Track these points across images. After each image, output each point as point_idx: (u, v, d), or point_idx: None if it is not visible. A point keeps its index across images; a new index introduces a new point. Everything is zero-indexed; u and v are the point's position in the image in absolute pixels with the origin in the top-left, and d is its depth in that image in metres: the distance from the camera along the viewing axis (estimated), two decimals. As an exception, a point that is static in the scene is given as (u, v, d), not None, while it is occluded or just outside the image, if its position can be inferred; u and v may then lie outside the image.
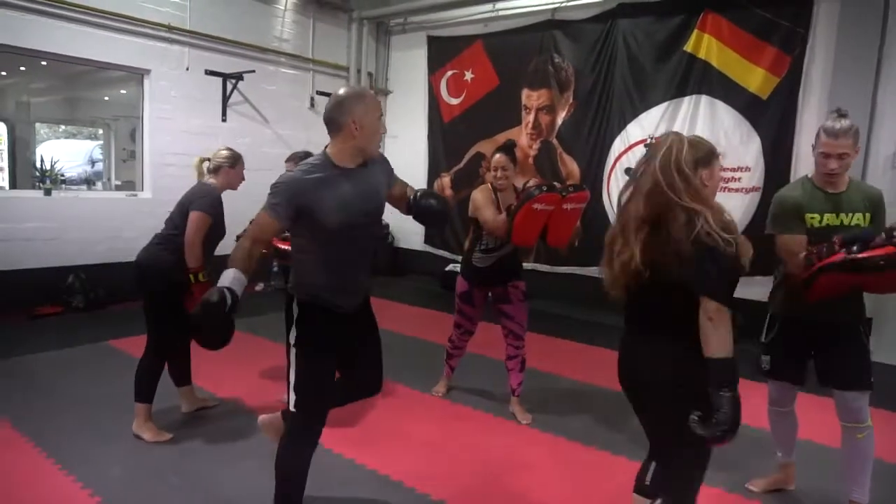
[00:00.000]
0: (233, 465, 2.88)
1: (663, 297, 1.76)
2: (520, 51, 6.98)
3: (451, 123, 7.72)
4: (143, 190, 6.26)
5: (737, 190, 5.64)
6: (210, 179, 3.26)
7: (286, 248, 3.53)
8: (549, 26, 6.76)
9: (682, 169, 1.70)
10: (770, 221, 2.52)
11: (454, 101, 7.68)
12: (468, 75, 7.51)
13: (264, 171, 6.74)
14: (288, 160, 3.66)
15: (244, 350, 4.68)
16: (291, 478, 2.27)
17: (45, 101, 9.39)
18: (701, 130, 5.79)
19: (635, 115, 6.22)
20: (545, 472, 2.94)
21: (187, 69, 6.40)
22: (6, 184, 8.16)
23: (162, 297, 3.12)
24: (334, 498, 2.65)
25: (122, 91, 7.82)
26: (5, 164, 8.38)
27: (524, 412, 3.56)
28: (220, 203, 3.22)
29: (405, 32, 8.16)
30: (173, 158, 6.11)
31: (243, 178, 3.39)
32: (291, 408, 2.24)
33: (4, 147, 8.45)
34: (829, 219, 2.42)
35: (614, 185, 6.44)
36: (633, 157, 6.29)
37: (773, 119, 5.45)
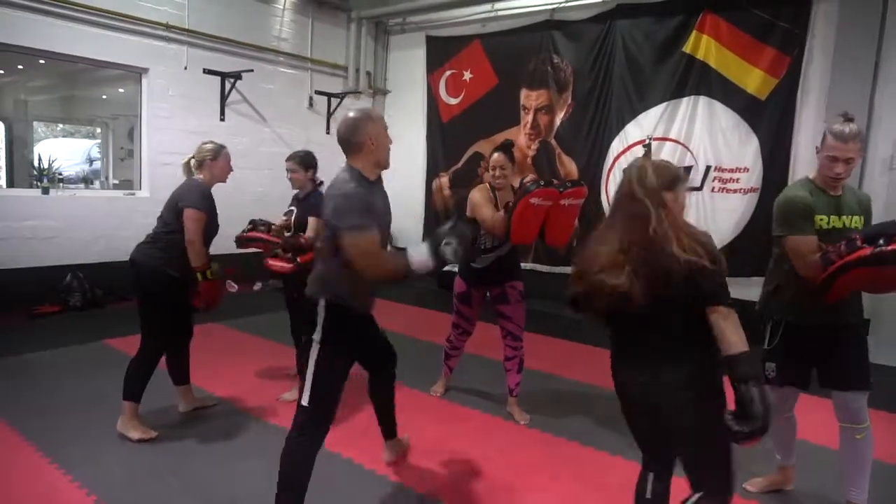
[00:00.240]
0: (231, 465, 2.88)
1: (666, 322, 1.78)
2: (518, 51, 6.98)
3: (450, 123, 7.72)
4: (140, 189, 6.26)
5: (735, 191, 5.65)
6: (197, 175, 3.26)
7: (282, 266, 3.54)
8: (547, 26, 6.76)
9: (648, 194, 1.76)
10: (779, 223, 2.47)
11: (453, 101, 7.68)
12: (467, 75, 7.50)
13: (262, 170, 6.82)
14: (289, 159, 3.65)
15: (242, 350, 4.68)
16: (296, 472, 2.31)
17: (42, 100, 9.38)
18: (699, 131, 5.81)
19: (634, 115, 6.22)
20: (543, 471, 2.94)
21: (185, 68, 6.39)
22: (4, 182, 8.14)
23: (156, 297, 3.11)
24: (331, 496, 2.65)
25: (121, 90, 7.81)
26: (3, 162, 8.35)
27: (522, 412, 3.56)
28: (211, 197, 3.22)
29: (404, 32, 8.16)
30: (171, 157, 6.08)
31: (231, 169, 3.38)
32: (305, 403, 2.31)
33: (2, 146, 8.43)
34: (833, 221, 2.42)
35: (613, 186, 6.44)
36: (632, 158, 6.30)
37: (771, 120, 5.45)
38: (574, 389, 4.10)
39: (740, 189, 5.63)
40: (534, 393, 3.86)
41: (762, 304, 2.62)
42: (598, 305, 1.82)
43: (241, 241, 3.83)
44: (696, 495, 1.81)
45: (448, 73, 7.68)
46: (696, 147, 5.85)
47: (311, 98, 7.71)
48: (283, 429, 3.26)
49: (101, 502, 2.51)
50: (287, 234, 3.64)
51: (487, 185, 3.49)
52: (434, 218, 7.79)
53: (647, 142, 6.17)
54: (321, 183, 3.62)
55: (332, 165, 3.52)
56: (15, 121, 8.76)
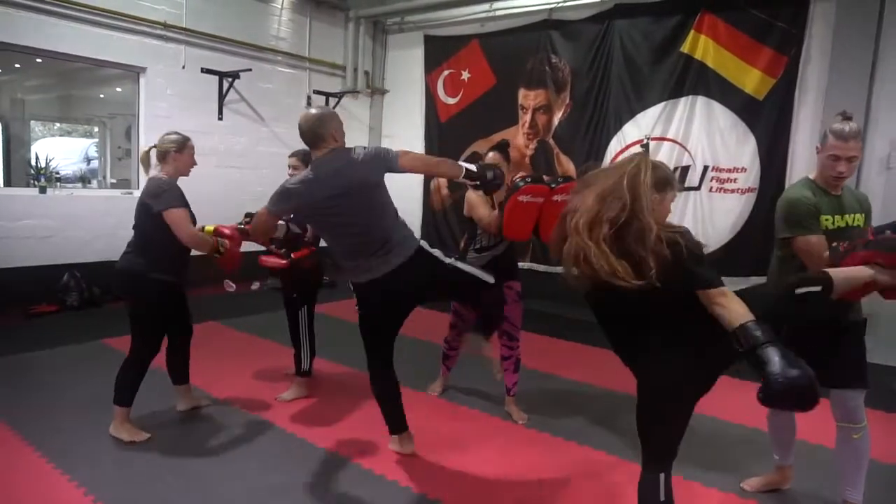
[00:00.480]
0: (230, 465, 2.88)
1: (665, 310, 1.80)
2: (517, 50, 6.98)
3: (448, 123, 7.71)
4: (138, 188, 6.23)
5: (732, 191, 5.66)
6: (160, 173, 3.10)
7: (276, 263, 3.54)
8: (545, 26, 6.76)
9: (645, 187, 1.79)
10: (786, 224, 2.43)
11: (451, 101, 7.68)
12: (465, 75, 7.50)
13: (261, 170, 6.81)
14: (292, 155, 3.65)
15: (241, 349, 4.67)
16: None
17: (40, 99, 9.35)
18: (697, 131, 5.82)
19: (632, 115, 6.23)
20: (541, 471, 2.94)
21: (183, 67, 6.38)
22: (1, 181, 8.11)
23: (145, 304, 3.06)
24: (330, 497, 2.65)
25: (118, 89, 7.79)
26: (0, 161, 8.33)
27: (520, 412, 3.57)
28: (181, 191, 3.08)
29: (402, 32, 8.15)
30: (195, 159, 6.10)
31: (195, 163, 3.22)
32: (486, 279, 2.85)
33: (-1, 145, 8.40)
34: (838, 220, 2.42)
35: (611, 186, 6.45)
36: (630, 158, 6.30)
37: (769, 120, 5.46)
38: (571, 389, 4.10)
39: (738, 189, 5.64)
40: (531, 392, 3.86)
41: None
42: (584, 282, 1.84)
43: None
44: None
45: (446, 72, 7.68)
46: (693, 147, 5.86)
47: (309, 97, 7.70)
48: (281, 428, 3.27)
49: (99, 502, 2.51)
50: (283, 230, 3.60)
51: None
52: (432, 218, 7.79)
53: (645, 142, 6.18)
54: None
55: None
56: (12, 120, 8.73)
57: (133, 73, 6.22)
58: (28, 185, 6.36)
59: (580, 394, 4.02)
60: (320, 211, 2.63)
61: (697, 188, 5.81)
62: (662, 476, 1.88)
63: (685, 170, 5.86)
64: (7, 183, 7.88)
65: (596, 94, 6.47)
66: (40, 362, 4.15)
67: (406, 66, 8.07)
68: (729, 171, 5.68)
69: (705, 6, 5.70)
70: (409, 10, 7.63)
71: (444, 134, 7.76)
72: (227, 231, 3.22)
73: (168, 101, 6.30)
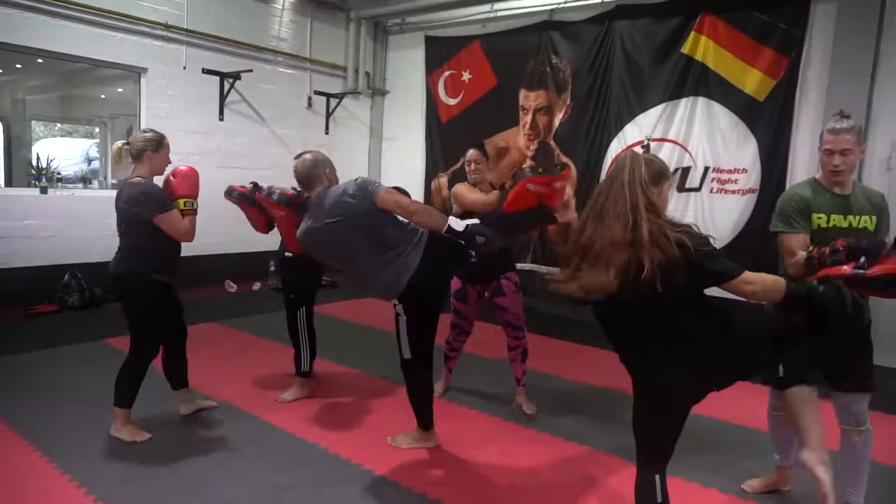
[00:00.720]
0: (230, 465, 2.88)
1: (666, 313, 1.80)
2: (517, 51, 6.98)
3: (449, 124, 7.71)
4: (138, 188, 6.25)
5: (733, 192, 5.66)
6: (133, 174, 2.99)
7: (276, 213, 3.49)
8: (546, 27, 6.77)
9: (643, 187, 1.81)
10: (775, 218, 2.51)
11: (452, 102, 7.68)
12: (466, 76, 7.50)
13: (261, 171, 6.80)
14: (297, 157, 3.64)
15: (241, 349, 4.67)
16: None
17: (41, 99, 9.36)
18: (698, 132, 5.82)
19: (632, 116, 6.23)
20: (541, 472, 2.94)
21: (184, 68, 6.39)
22: (2, 182, 8.13)
23: (142, 305, 3.03)
24: (330, 497, 2.65)
25: (119, 89, 7.80)
26: (1, 162, 8.34)
27: (529, 403, 3.61)
28: (162, 190, 3.00)
29: (403, 32, 8.16)
30: (170, 157, 6.10)
31: (169, 162, 3.11)
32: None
33: (0, 145, 8.42)
34: (836, 220, 2.43)
35: (611, 186, 6.45)
36: (630, 159, 6.30)
37: (769, 121, 5.46)
38: (572, 389, 4.10)
39: (738, 190, 5.64)
40: (531, 392, 3.86)
41: None
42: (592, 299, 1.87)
43: (244, 196, 3.49)
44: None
45: (447, 73, 7.68)
46: (694, 148, 5.86)
47: (310, 98, 7.71)
48: (281, 429, 3.27)
49: (101, 502, 2.51)
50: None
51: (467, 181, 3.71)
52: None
53: (646, 142, 6.18)
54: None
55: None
56: (13, 120, 8.75)
57: (134, 73, 6.23)
58: (29, 186, 6.37)
59: (580, 394, 4.02)
60: (326, 249, 2.93)
61: (698, 189, 5.81)
62: (657, 478, 1.89)
63: (686, 171, 5.85)
64: (8, 183, 7.90)
65: (597, 95, 6.47)
66: (41, 362, 4.16)
67: (407, 67, 8.08)
68: (729, 171, 5.67)
69: (706, 7, 5.70)
70: (410, 10, 7.64)
71: (445, 135, 7.76)
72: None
73: (169, 102, 6.31)
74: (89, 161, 9.73)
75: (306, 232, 2.89)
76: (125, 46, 5.94)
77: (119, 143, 3.05)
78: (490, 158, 3.82)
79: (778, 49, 5.38)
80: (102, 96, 8.75)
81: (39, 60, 6.13)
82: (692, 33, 5.78)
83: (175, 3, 6.24)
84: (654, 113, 6.08)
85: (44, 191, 5.75)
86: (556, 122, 6.81)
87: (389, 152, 8.28)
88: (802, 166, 5.24)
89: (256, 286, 6.87)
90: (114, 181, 7.97)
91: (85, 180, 7.77)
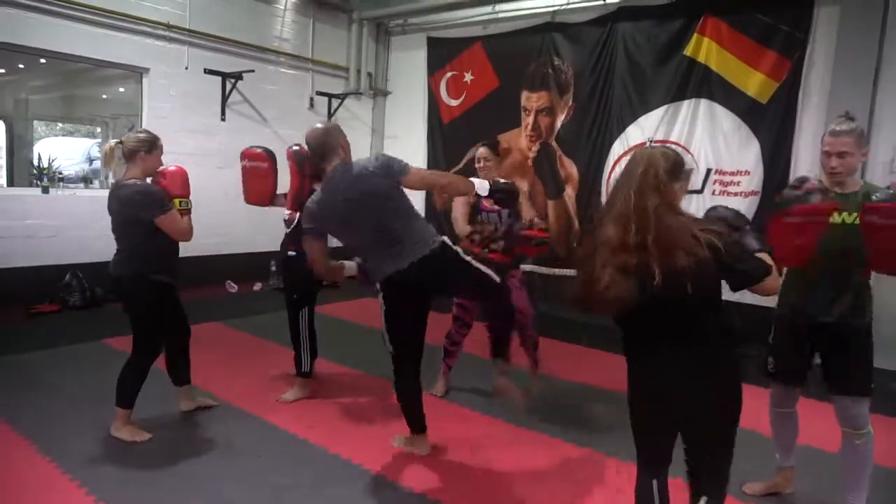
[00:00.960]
0: (231, 465, 2.88)
1: (686, 310, 1.75)
2: (519, 53, 6.98)
3: (451, 125, 7.71)
4: (140, 188, 6.25)
5: (736, 194, 5.65)
6: (126, 176, 2.98)
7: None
8: (548, 28, 6.76)
9: (663, 186, 1.75)
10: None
11: (454, 103, 7.68)
12: (468, 77, 7.50)
13: (263, 171, 6.78)
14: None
15: (243, 350, 4.67)
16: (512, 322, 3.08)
17: (43, 99, 9.38)
18: (700, 134, 5.81)
19: (635, 117, 6.22)
20: (541, 473, 2.94)
21: (186, 68, 6.39)
22: (4, 181, 8.14)
23: (144, 306, 3.04)
24: (330, 497, 2.65)
25: (121, 89, 7.81)
26: (3, 161, 8.36)
27: (541, 382, 3.85)
28: (160, 190, 2.97)
29: (405, 33, 8.16)
30: (171, 157, 6.06)
31: (161, 163, 3.07)
32: (499, 280, 2.86)
33: (2, 145, 8.43)
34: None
35: (613, 188, 6.44)
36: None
37: (772, 123, 5.45)
38: (572, 391, 4.09)
39: (741, 192, 5.63)
40: (529, 392, 3.87)
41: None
42: (608, 308, 1.78)
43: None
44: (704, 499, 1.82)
45: (449, 74, 7.68)
46: (696, 150, 5.85)
47: (312, 99, 7.71)
48: (282, 429, 3.27)
49: (102, 502, 2.51)
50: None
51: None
52: (435, 219, 7.79)
53: (648, 144, 6.18)
54: None
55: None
56: (15, 120, 8.76)
57: (136, 73, 6.23)
58: (31, 185, 6.38)
59: (581, 395, 4.01)
60: (336, 223, 2.71)
61: (700, 191, 5.80)
62: (655, 482, 1.87)
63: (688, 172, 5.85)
64: (10, 183, 7.91)
65: (599, 96, 6.46)
66: (42, 362, 4.15)
67: (409, 68, 8.08)
68: (732, 174, 5.67)
69: (709, 9, 5.70)
70: (412, 11, 7.64)
71: (447, 136, 7.76)
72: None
73: (171, 102, 6.31)
74: (91, 161, 9.73)
75: (319, 204, 2.68)
76: (127, 46, 5.94)
77: (111, 143, 3.03)
78: (500, 156, 3.86)
79: (781, 51, 5.38)
80: (104, 96, 8.76)
81: (42, 60, 6.14)
82: (695, 35, 5.78)
83: (177, 3, 6.24)
84: (657, 115, 6.07)
85: (45, 190, 5.75)
86: (558, 123, 6.80)
87: (391, 153, 8.25)
88: (805, 169, 5.22)
89: (257, 286, 6.86)
90: (115, 181, 8.00)
91: (86, 180, 7.78)
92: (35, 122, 9.69)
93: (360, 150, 8.05)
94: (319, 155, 2.70)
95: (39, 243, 5.53)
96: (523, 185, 3.83)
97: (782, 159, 5.43)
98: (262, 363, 4.31)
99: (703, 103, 5.80)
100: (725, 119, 5.68)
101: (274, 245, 4.05)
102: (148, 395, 3.15)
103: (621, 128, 6.32)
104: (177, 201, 2.97)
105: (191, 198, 3.07)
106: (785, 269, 2.54)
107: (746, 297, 1.92)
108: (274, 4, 7.22)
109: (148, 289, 3.01)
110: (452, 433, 3.33)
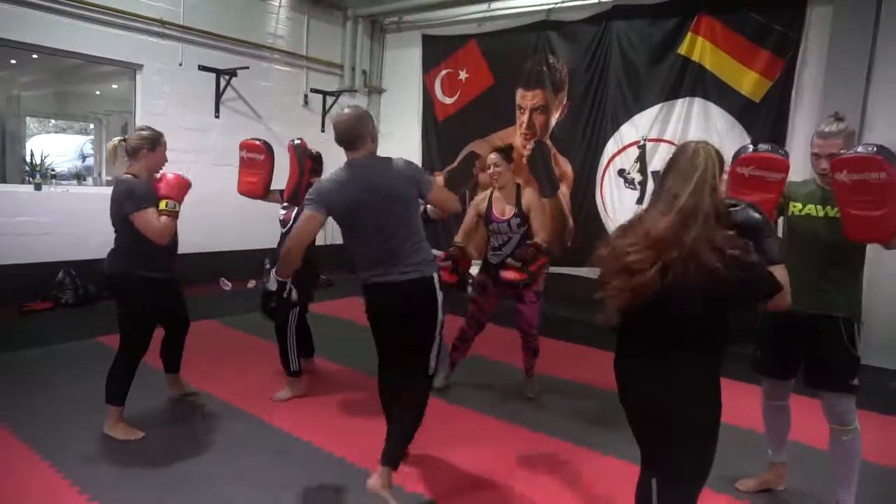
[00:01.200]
0: (225, 464, 2.87)
1: (687, 317, 1.67)
2: (514, 51, 6.99)
3: (445, 122, 7.72)
4: (133, 186, 6.23)
5: (729, 192, 5.67)
6: (125, 172, 2.98)
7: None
8: (543, 27, 6.77)
9: (712, 190, 1.71)
10: None
11: (448, 101, 7.68)
12: (462, 74, 7.50)
13: (257, 168, 6.77)
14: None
15: (236, 347, 4.66)
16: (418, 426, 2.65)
17: (35, 95, 9.31)
18: (694, 133, 5.83)
19: (629, 116, 6.24)
20: (538, 472, 2.95)
21: (180, 65, 6.37)
22: (-5, 178, 8.07)
23: (137, 303, 3.04)
24: (325, 496, 2.65)
25: (114, 86, 7.77)
26: (-5, 158, 8.29)
27: (532, 387, 3.88)
28: (148, 188, 2.92)
29: (400, 31, 8.15)
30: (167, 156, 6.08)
31: (166, 160, 3.08)
32: (430, 373, 2.68)
33: (-6, 141, 8.36)
34: (810, 209, 2.52)
35: (607, 187, 6.47)
36: (627, 159, 6.32)
37: (765, 122, 5.48)
38: (568, 389, 4.10)
39: (734, 191, 5.65)
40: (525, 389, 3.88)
41: None
42: (621, 300, 1.71)
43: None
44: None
45: (444, 72, 7.68)
46: (690, 148, 5.87)
47: (306, 96, 7.69)
48: (277, 428, 3.27)
49: (95, 501, 2.50)
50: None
51: (486, 191, 3.79)
52: (427, 218, 7.78)
53: (642, 143, 6.19)
54: None
55: (328, 164, 3.52)
56: (8, 116, 8.69)
57: (130, 70, 6.20)
58: (23, 182, 6.33)
59: (576, 394, 4.02)
60: (346, 209, 2.52)
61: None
62: (654, 481, 1.86)
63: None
64: (2, 180, 7.84)
65: (593, 94, 6.48)
66: (34, 360, 4.13)
67: (404, 66, 8.07)
68: (725, 172, 5.68)
69: (703, 8, 5.72)
70: (407, 9, 7.63)
71: (442, 133, 7.76)
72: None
73: (165, 99, 6.28)
74: (84, 158, 9.69)
75: (338, 184, 2.51)
76: (120, 43, 5.90)
77: (115, 140, 3.02)
78: (511, 162, 3.78)
79: (774, 51, 5.40)
80: (97, 93, 8.71)
81: (34, 56, 6.09)
82: (689, 34, 5.80)
83: (171, 0, 6.21)
84: (651, 113, 6.09)
85: (38, 187, 5.71)
86: (553, 121, 6.82)
87: (385, 150, 8.10)
88: (798, 168, 5.22)
89: (251, 284, 6.84)
90: (108, 178, 7.95)
91: (79, 177, 7.72)
92: (28, 119, 9.61)
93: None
94: (346, 142, 2.56)
95: (32, 241, 5.49)
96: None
97: (775, 158, 5.44)
98: (256, 361, 4.31)
99: (697, 102, 5.82)
100: (719, 118, 5.70)
101: (268, 242, 4.04)
102: (141, 394, 3.15)
103: (615, 126, 6.33)
104: (163, 202, 2.91)
105: (182, 202, 3.01)
106: None
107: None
108: (268, 1, 7.20)
109: (140, 287, 3.00)
110: (448, 432, 3.33)
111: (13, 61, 7.35)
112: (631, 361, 1.84)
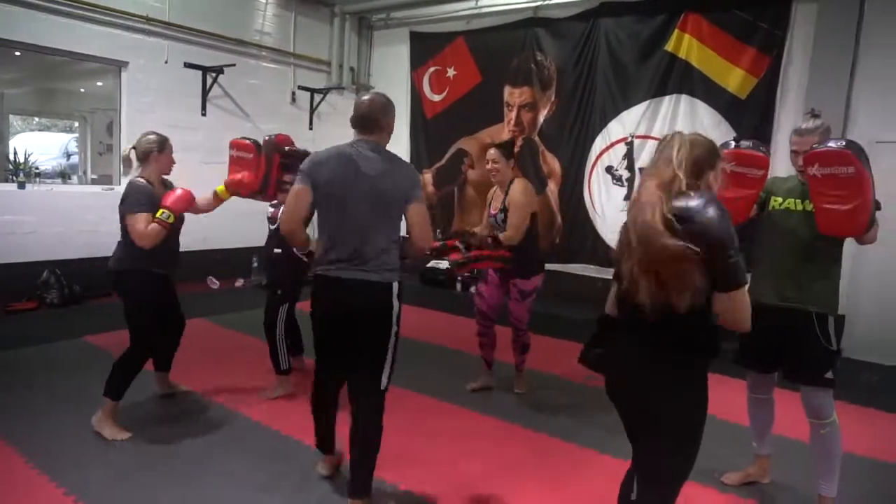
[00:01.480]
0: (214, 463, 2.86)
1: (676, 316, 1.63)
2: (502, 48, 7.00)
3: (434, 120, 7.72)
4: (119, 184, 6.17)
5: (715, 188, 5.71)
6: (138, 176, 3.11)
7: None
8: (531, 24, 6.79)
9: (690, 170, 1.64)
10: None
11: (436, 98, 7.68)
12: (451, 72, 7.50)
13: (245, 166, 6.72)
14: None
15: (224, 346, 4.64)
16: (378, 447, 2.47)
17: (19, 93, 9.19)
18: (681, 129, 5.85)
19: (616, 113, 6.27)
20: (526, 467, 2.96)
21: (166, 62, 6.32)
22: (-22, 177, 7.96)
23: (144, 299, 3.09)
24: (314, 493, 2.65)
25: (99, 83, 7.69)
26: (-23, 156, 8.18)
27: (521, 383, 3.90)
28: (146, 193, 3.02)
29: (387, 28, 8.13)
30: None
31: (174, 162, 3.27)
32: (383, 388, 2.49)
33: (-24, 139, 8.26)
34: (788, 203, 2.56)
35: (595, 183, 6.50)
36: (615, 155, 6.35)
37: (751, 119, 5.53)
38: (555, 385, 4.12)
39: (720, 187, 5.69)
40: (523, 392, 3.90)
41: None
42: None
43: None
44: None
45: (432, 69, 7.67)
46: (677, 145, 5.91)
47: (293, 93, 7.66)
48: (265, 426, 3.26)
49: (80, 502, 2.48)
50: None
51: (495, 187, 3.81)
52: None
53: (630, 140, 6.23)
54: None
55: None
56: (-10, 114, 8.58)
57: (114, 67, 6.14)
58: (7, 181, 6.25)
59: (564, 390, 4.04)
60: (325, 184, 2.38)
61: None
62: (636, 476, 1.88)
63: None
64: (-15, 178, 7.74)
65: (581, 91, 6.50)
66: (19, 360, 4.09)
67: (392, 63, 8.06)
68: (722, 164, 5.74)
69: (690, 6, 5.75)
70: (395, 6, 7.61)
71: (430, 131, 7.76)
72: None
73: (150, 96, 6.23)
74: (68, 156, 9.59)
75: (335, 159, 2.40)
76: (105, 40, 5.85)
77: (128, 147, 3.19)
78: (512, 157, 3.73)
79: (760, 48, 5.45)
80: (82, 90, 8.61)
81: (17, 53, 6.01)
82: (676, 31, 5.83)
83: (156, -4, 6.16)
84: (638, 110, 6.13)
85: (21, 186, 5.65)
86: (541, 118, 6.84)
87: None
88: (783, 164, 5.29)
89: (239, 283, 6.82)
90: (94, 176, 7.88)
91: (64, 175, 7.65)
92: (11, 117, 9.50)
93: (343, 145, 8.03)
94: (360, 123, 2.47)
95: (16, 240, 5.43)
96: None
97: (761, 154, 5.50)
98: (245, 359, 4.29)
99: (684, 99, 5.86)
100: (706, 114, 5.74)
101: (256, 241, 4.02)
102: (129, 392, 3.12)
103: (603, 123, 6.37)
104: (160, 211, 3.00)
105: (179, 214, 3.10)
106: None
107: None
108: (255, -2, 7.16)
109: (147, 282, 3.08)
110: (435, 429, 3.35)
111: (-5, 58, 7.26)
112: (616, 356, 1.85)
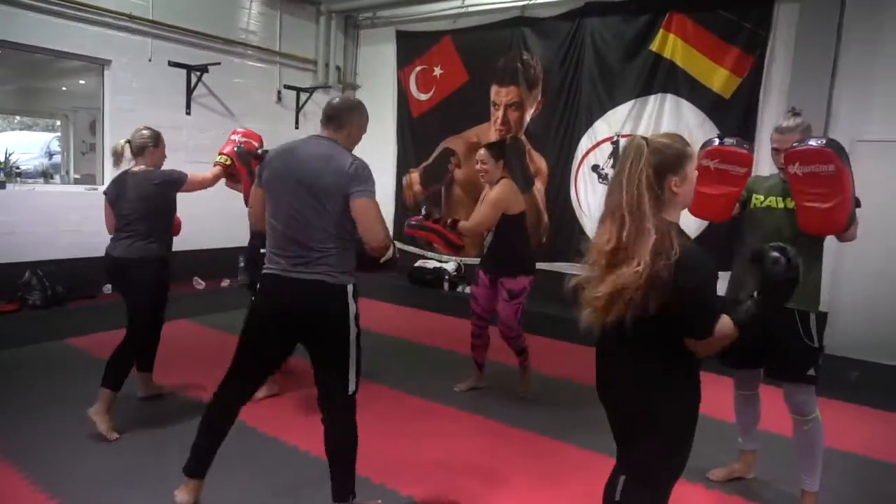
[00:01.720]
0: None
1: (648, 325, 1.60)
2: (489, 47, 7.01)
3: (420, 119, 7.71)
4: (103, 184, 6.08)
5: (700, 187, 5.76)
6: (135, 165, 3.23)
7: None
8: (517, 23, 6.80)
9: (645, 183, 1.54)
10: None
11: (423, 97, 7.67)
12: (437, 71, 7.50)
13: (230, 166, 6.68)
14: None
15: (211, 347, 4.60)
16: (355, 450, 2.40)
17: (-1, 91, 9.07)
18: (666, 129, 5.91)
19: (602, 112, 6.31)
20: (516, 467, 2.96)
21: (150, 60, 6.25)
22: (-42, 176, 7.84)
23: (154, 283, 3.20)
24: (300, 495, 2.64)
25: (82, 81, 7.59)
26: (-43, 155, 8.05)
27: (523, 385, 3.85)
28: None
29: (374, 27, 8.11)
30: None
31: (165, 156, 3.38)
32: (351, 392, 2.37)
33: (-44, 138, 8.13)
34: (770, 201, 2.59)
35: (581, 183, 6.53)
36: (601, 155, 6.39)
37: (735, 118, 5.58)
38: (545, 384, 4.13)
39: (705, 186, 5.74)
40: (512, 388, 3.91)
41: None
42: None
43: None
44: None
45: (418, 68, 7.66)
46: (662, 144, 5.96)
47: (279, 92, 7.61)
48: (252, 428, 3.23)
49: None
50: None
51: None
52: (404, 212, 7.78)
53: (616, 139, 6.26)
54: None
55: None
56: (-30, 113, 8.46)
57: (97, 65, 6.07)
58: (-13, 181, 6.16)
59: (553, 389, 4.05)
60: (269, 185, 2.36)
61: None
62: (623, 479, 1.87)
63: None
64: (-35, 178, 7.62)
65: (567, 91, 6.53)
66: (1, 364, 4.03)
67: (378, 62, 8.04)
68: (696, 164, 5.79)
69: (674, 6, 5.80)
70: (381, 4, 7.60)
71: (416, 130, 7.75)
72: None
73: (134, 95, 6.17)
74: (50, 155, 9.46)
75: (283, 154, 2.37)
76: (87, 37, 5.78)
77: (121, 142, 3.26)
78: (502, 158, 3.67)
79: (744, 48, 5.51)
80: (64, 89, 8.50)
81: (-3, 51, 5.93)
82: (661, 31, 5.88)
83: (139, -6, 6.10)
84: (624, 109, 6.16)
85: (2, 185, 5.57)
86: (528, 117, 6.85)
87: (360, 147, 8.15)
88: (765, 162, 5.34)
89: (225, 283, 6.77)
90: (76, 176, 7.77)
91: (46, 175, 7.54)
92: (-9, 116, 9.38)
93: (330, 145, 8.00)
94: (325, 121, 2.40)
95: (-3, 240, 5.36)
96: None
97: (745, 153, 5.55)
98: (230, 360, 4.25)
99: (669, 98, 5.91)
100: (690, 114, 5.79)
101: (241, 241, 3.99)
102: (126, 397, 3.09)
103: (589, 122, 6.40)
104: (220, 156, 3.36)
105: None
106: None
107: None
108: (240, -4, 7.10)
109: (166, 266, 3.24)
110: (425, 428, 3.34)
111: (-25, 56, 7.15)
112: (606, 361, 1.84)
